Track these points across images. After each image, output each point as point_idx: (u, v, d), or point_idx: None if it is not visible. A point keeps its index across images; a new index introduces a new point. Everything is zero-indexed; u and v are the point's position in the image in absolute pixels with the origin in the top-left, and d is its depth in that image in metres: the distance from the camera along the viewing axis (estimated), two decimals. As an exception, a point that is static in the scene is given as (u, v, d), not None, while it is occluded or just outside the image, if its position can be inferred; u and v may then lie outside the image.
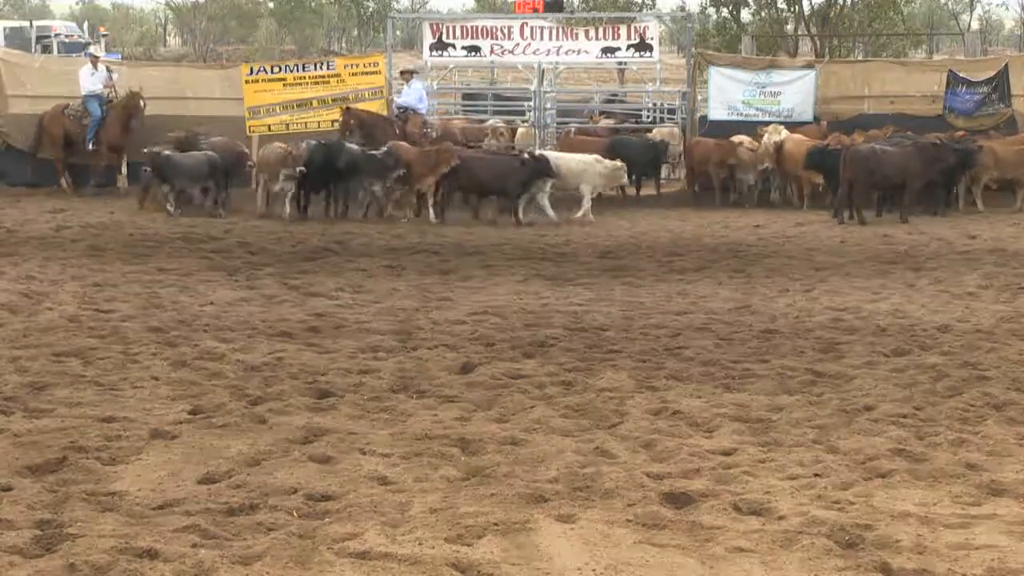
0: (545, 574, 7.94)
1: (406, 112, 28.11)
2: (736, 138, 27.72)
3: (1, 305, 16.25)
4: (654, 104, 35.42)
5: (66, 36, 56.32)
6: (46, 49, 50.79)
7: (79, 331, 14.90)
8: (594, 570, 7.96)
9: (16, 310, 16.01)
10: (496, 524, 8.56)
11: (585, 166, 25.66)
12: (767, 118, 29.17)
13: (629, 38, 30.49)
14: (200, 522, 8.61)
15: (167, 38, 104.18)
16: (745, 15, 52.71)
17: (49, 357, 13.53)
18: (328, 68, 30.07)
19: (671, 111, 33.58)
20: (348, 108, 27.53)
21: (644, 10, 59.30)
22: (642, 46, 30.45)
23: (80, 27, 64.02)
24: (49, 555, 8.04)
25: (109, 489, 9.38)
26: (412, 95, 28.54)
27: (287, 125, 29.15)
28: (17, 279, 18.12)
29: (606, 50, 30.59)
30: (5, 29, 50.38)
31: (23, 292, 17.13)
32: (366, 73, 29.82)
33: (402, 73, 28.87)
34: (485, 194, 25.72)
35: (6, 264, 19.33)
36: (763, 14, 52.26)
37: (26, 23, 58.96)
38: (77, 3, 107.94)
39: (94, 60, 29.51)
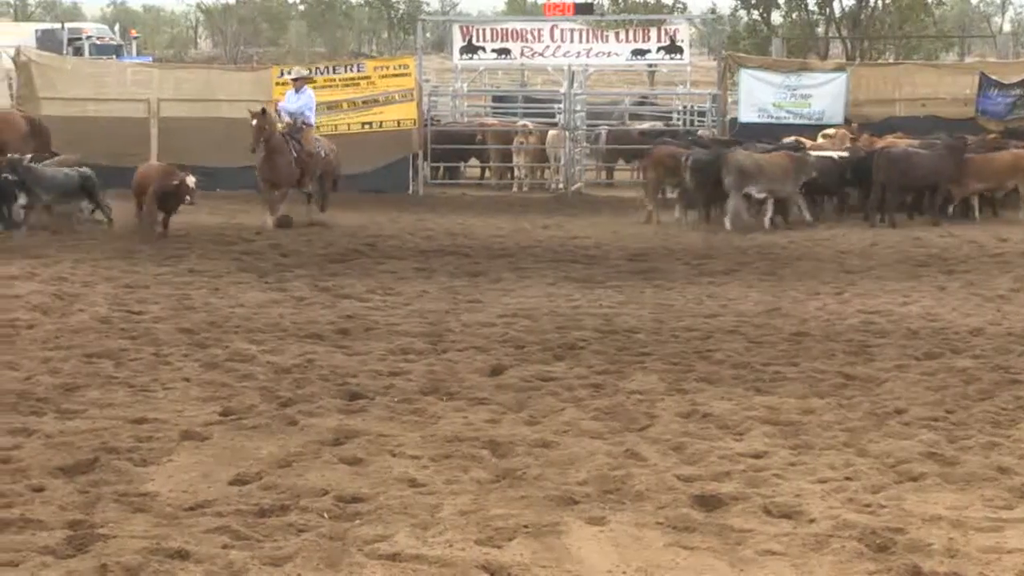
0: (575, 576, 7.94)
1: (297, 123, 24.91)
2: (791, 140, 27.39)
3: (33, 306, 16.31)
4: (684, 106, 35.40)
5: (97, 38, 56.54)
6: (78, 51, 51.02)
7: (111, 332, 14.95)
8: (624, 572, 7.94)
9: (48, 311, 16.07)
10: (526, 526, 8.55)
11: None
12: (798, 121, 29.13)
13: (659, 40, 30.50)
14: (231, 523, 8.62)
15: (198, 40, 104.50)
16: (776, 17, 52.66)
17: (81, 358, 13.57)
18: (358, 70, 30.15)
19: (701, 113, 33.57)
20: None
21: (674, 12, 59.25)
22: (672, 48, 30.45)
23: (111, 29, 64.24)
24: (81, 556, 8.06)
25: (140, 490, 9.39)
26: (303, 103, 25.22)
27: (317, 127, 29.17)
28: (49, 280, 18.18)
29: (636, 52, 30.61)
30: (37, 31, 50.59)
31: (55, 293, 17.19)
32: (396, 75, 29.89)
33: (295, 80, 25.62)
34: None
35: (38, 265, 19.39)
36: (794, 16, 52.20)
37: (58, 25, 59.16)
38: (109, 5, 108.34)
39: None
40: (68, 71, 31.35)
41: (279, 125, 24.25)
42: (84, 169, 23.55)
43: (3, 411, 11.45)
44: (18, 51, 31.01)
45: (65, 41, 52.22)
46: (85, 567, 7.84)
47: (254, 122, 23.44)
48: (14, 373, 12.90)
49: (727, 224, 24.25)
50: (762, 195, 24.51)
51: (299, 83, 25.16)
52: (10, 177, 22.51)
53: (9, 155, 23.96)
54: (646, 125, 33.09)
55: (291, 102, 25.00)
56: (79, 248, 21.09)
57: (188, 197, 21.97)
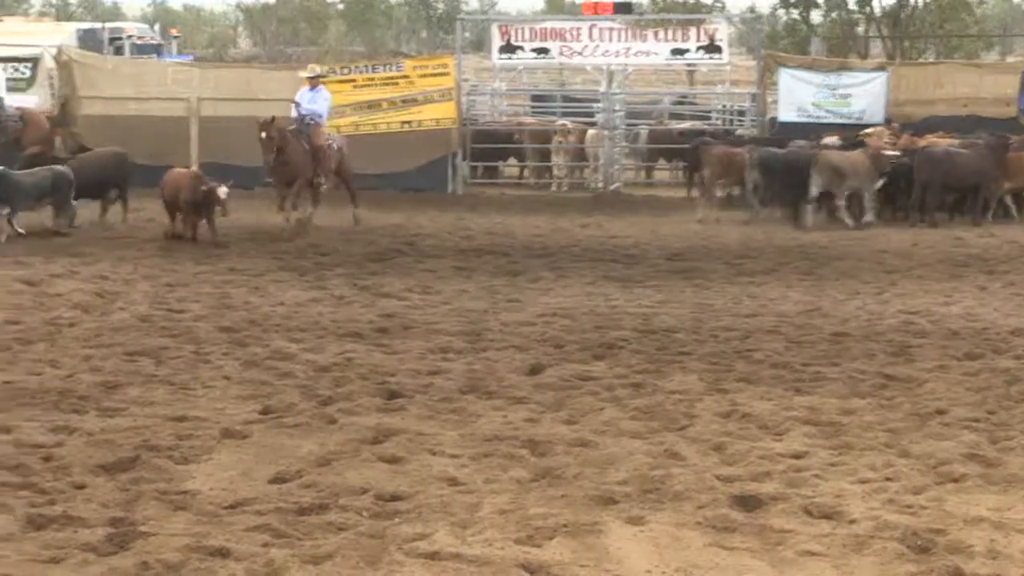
0: (615, 576, 7.94)
1: (306, 121, 24.25)
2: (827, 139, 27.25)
3: (75, 304, 16.39)
4: (723, 106, 35.31)
5: (138, 38, 56.65)
6: (118, 51, 51.07)
7: (151, 331, 15.02)
8: (663, 572, 7.94)
9: (89, 309, 16.15)
10: (565, 525, 8.55)
11: None
12: (837, 120, 29.01)
13: (698, 40, 30.38)
14: (271, 521, 8.65)
15: (238, 40, 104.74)
16: (815, 16, 52.35)
17: (122, 356, 13.64)
18: (397, 69, 30.13)
19: (740, 113, 33.47)
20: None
21: (713, 11, 59.09)
22: (711, 48, 30.33)
23: (152, 29, 64.45)
24: (122, 553, 8.11)
25: (181, 488, 9.44)
26: (320, 104, 24.70)
27: (357, 126, 29.22)
28: (90, 278, 18.27)
29: (675, 52, 30.50)
30: (78, 31, 50.69)
31: (96, 291, 17.27)
32: (435, 75, 29.86)
33: (310, 79, 24.95)
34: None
35: (79, 264, 19.48)
36: (834, 15, 51.89)
37: (99, 25, 59.34)
38: (149, 5, 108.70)
39: None
40: (109, 70, 31.42)
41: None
42: (61, 168, 22.94)
43: (45, 409, 11.52)
44: (60, 50, 31.13)
45: (106, 40, 52.32)
46: (126, 564, 7.88)
47: (263, 135, 23.06)
48: (56, 371, 12.98)
49: (805, 222, 24.32)
50: (846, 193, 24.62)
51: (314, 81, 24.76)
52: None
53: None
54: (686, 124, 33.00)
55: (304, 100, 24.48)
56: (120, 246, 21.17)
57: (220, 207, 21.58)
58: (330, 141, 24.48)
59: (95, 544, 8.24)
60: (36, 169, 22.70)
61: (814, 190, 24.59)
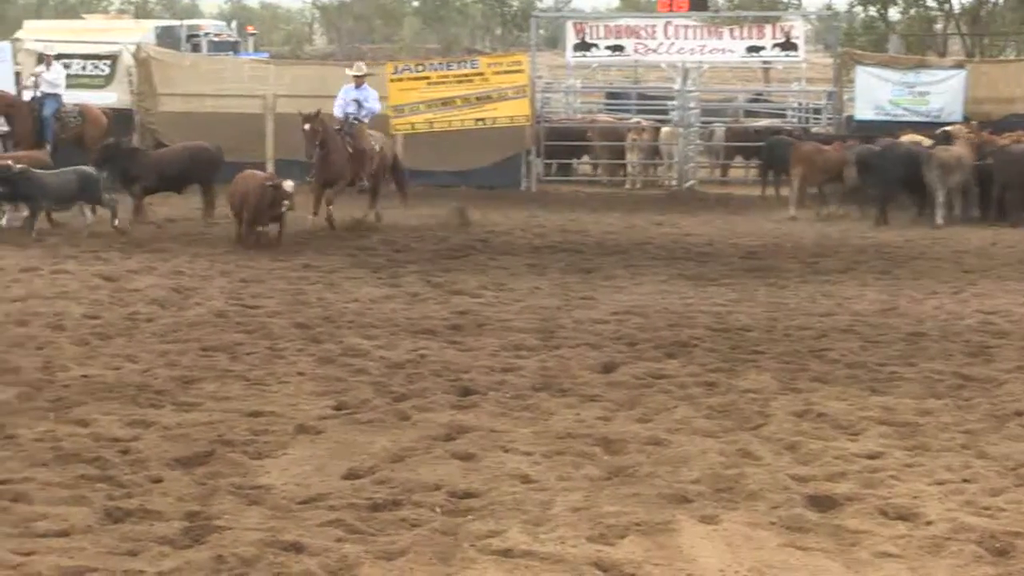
0: (687, 575, 7.90)
1: (350, 120, 23.99)
2: (909, 137, 27.02)
3: (151, 300, 16.53)
4: (799, 104, 35.15)
5: (215, 35, 57.04)
6: (195, 48, 51.49)
7: (226, 326, 15.11)
8: (737, 572, 7.90)
9: (166, 305, 16.27)
10: (638, 524, 8.53)
11: None
12: (915, 118, 28.80)
13: (774, 37, 30.25)
14: (344, 517, 8.68)
15: (313, 37, 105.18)
16: (893, 13, 51.99)
17: (198, 352, 13.74)
18: (472, 67, 30.17)
19: (816, 111, 33.30)
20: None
21: (790, 8, 58.83)
22: (787, 45, 30.19)
23: (229, 26, 64.83)
24: (198, 546, 8.16)
25: (256, 483, 9.49)
26: (373, 101, 24.70)
27: (431, 123, 29.29)
28: (167, 275, 18.42)
29: (751, 49, 30.38)
30: (157, 28, 51.09)
31: (173, 287, 17.41)
32: (509, 72, 29.88)
33: (356, 77, 24.59)
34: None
35: (156, 260, 19.64)
36: (912, 12, 51.53)
37: (177, 22, 59.77)
38: (226, 2, 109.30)
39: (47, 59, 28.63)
40: (186, 67, 31.67)
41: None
42: (85, 168, 22.64)
43: (123, 403, 11.62)
44: (138, 48, 31.40)
45: (184, 38, 52.73)
46: (201, 558, 7.93)
47: (307, 127, 23.00)
48: (133, 366, 13.09)
49: (938, 220, 24.38)
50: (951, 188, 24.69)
51: (360, 80, 24.47)
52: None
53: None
54: (766, 122, 32.87)
55: (348, 98, 24.19)
56: (196, 242, 21.33)
57: (286, 202, 21.23)
58: (374, 143, 24.31)
59: (171, 537, 8.30)
60: (63, 169, 22.54)
61: (939, 186, 24.48)
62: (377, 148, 24.10)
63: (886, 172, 24.74)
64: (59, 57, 30.04)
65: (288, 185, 21.06)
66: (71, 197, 22.15)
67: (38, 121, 27.25)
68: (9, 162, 22.14)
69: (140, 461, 9.93)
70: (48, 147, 26.40)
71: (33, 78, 27.82)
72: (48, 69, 27.79)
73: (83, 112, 27.93)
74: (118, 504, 8.89)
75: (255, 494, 9.22)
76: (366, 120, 23.95)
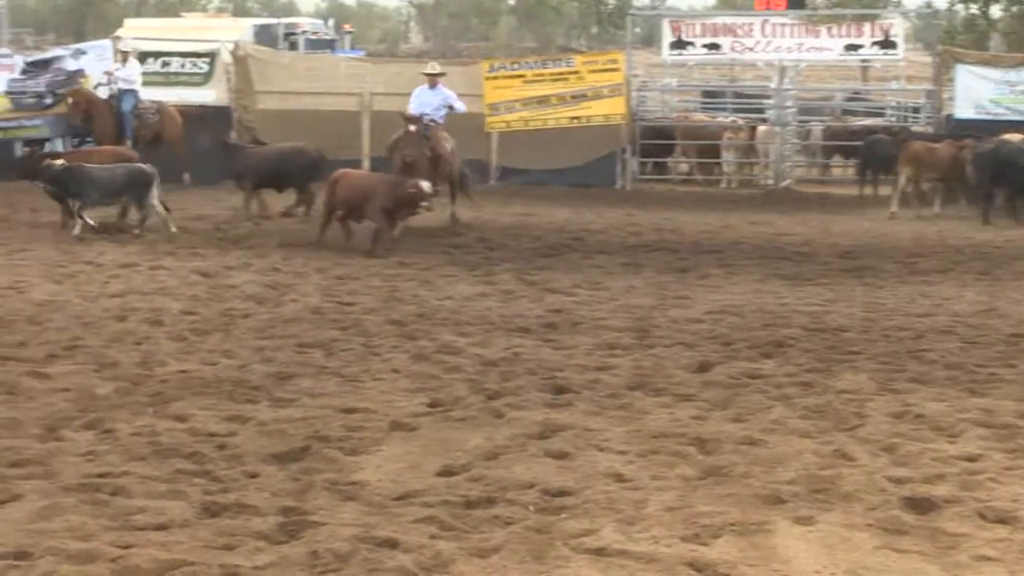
0: (783, 576, 7.87)
1: (426, 122, 23.05)
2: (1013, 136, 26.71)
3: (248, 296, 16.66)
4: (898, 103, 34.86)
5: (312, 33, 57.37)
6: (293, 46, 51.79)
7: (322, 323, 15.20)
8: (832, 574, 7.84)
9: (262, 301, 16.40)
10: (733, 524, 8.48)
11: None
12: (1017, 117, 28.48)
13: (873, 35, 30.02)
14: (438, 514, 8.69)
15: (409, 35, 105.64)
16: (995, 11, 51.41)
17: (293, 348, 13.83)
18: (567, 65, 30.16)
19: (915, 110, 33.02)
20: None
21: (889, 6, 58.35)
22: (886, 43, 29.95)
23: (326, 24, 65.20)
24: (293, 542, 8.20)
25: (350, 479, 9.54)
26: (455, 101, 24.05)
27: (526, 122, 29.31)
28: (263, 271, 18.56)
29: (849, 47, 30.18)
30: (255, 26, 51.47)
31: (269, 284, 17.54)
32: (605, 70, 29.83)
33: (430, 76, 24.08)
34: None
35: (253, 256, 19.80)
36: (1014, 10, 50.92)
37: (274, 21, 60.20)
38: (323, 1, 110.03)
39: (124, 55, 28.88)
40: (284, 65, 31.87)
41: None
42: (138, 165, 22.43)
43: (220, 398, 11.72)
44: (236, 46, 31.66)
45: (281, 36, 53.07)
46: (297, 553, 7.98)
47: (413, 128, 22.46)
48: (230, 361, 13.20)
49: None
50: None
51: (434, 80, 23.86)
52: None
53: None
54: (868, 121, 32.62)
55: (426, 99, 23.48)
56: (292, 239, 21.46)
57: (425, 203, 20.78)
58: (449, 146, 23.77)
59: (267, 532, 8.36)
60: (111, 165, 22.49)
61: None
62: (449, 148, 23.89)
63: (1007, 171, 24.48)
64: (158, 55, 30.42)
65: (427, 186, 20.82)
66: (117, 192, 22.06)
67: (117, 117, 27.51)
68: (53, 160, 22.28)
69: (236, 456, 10.01)
70: (128, 143, 26.64)
71: (107, 76, 28.07)
72: (124, 65, 28.04)
73: (160, 109, 28.19)
74: (215, 499, 8.96)
75: (350, 490, 9.27)
76: (441, 121, 23.69)
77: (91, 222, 21.65)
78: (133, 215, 22.21)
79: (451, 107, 23.63)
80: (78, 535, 8.20)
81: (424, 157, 22.43)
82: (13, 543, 8.03)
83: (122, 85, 27.76)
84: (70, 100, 27.70)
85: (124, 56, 28.22)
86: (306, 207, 24.17)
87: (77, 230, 21.49)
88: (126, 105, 27.56)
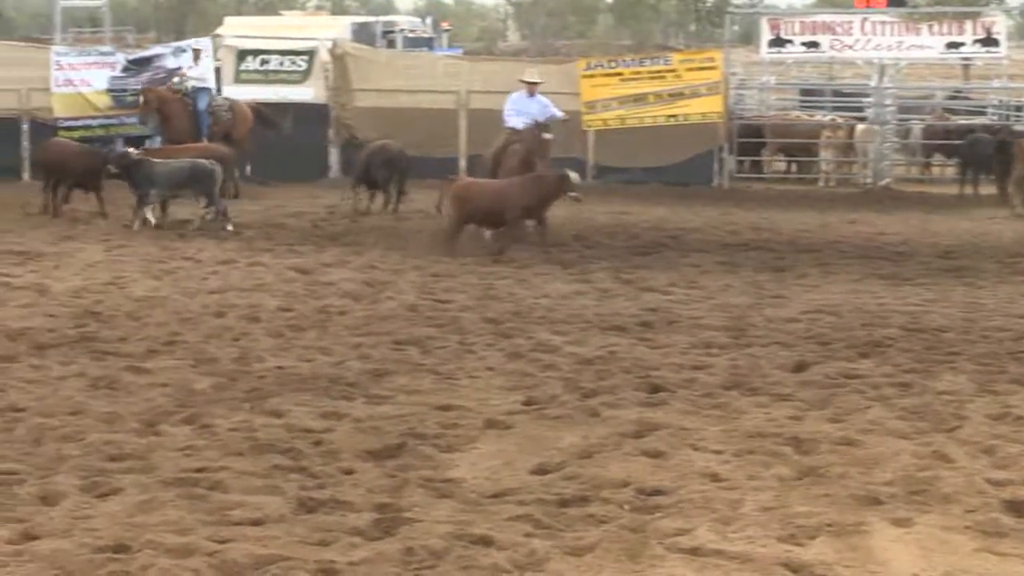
0: (879, 578, 7.80)
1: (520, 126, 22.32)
2: None
3: (345, 293, 16.76)
4: (1000, 101, 34.49)
5: (410, 31, 57.63)
6: (391, 44, 52.05)
7: (418, 320, 15.26)
8: (930, 576, 7.79)
9: (359, 298, 16.48)
10: (829, 525, 8.43)
11: None
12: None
13: (974, 33, 29.71)
14: (533, 512, 8.70)
15: (507, 33, 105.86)
16: (1101, 7, 50.75)
17: (389, 345, 13.89)
18: (665, 63, 30.08)
19: (1018, 108, 32.64)
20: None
21: (991, 4, 57.76)
22: (988, 41, 29.63)
23: (423, 22, 65.46)
24: (388, 538, 8.23)
25: (445, 476, 9.56)
26: (553, 109, 23.25)
27: (623, 120, 29.26)
28: (360, 268, 18.67)
29: (950, 45, 29.88)
30: (353, 25, 51.80)
31: (365, 281, 17.63)
32: (702, 68, 29.72)
33: (530, 84, 23.20)
34: None
35: (350, 253, 19.92)
36: (1118, 5, 50.25)
37: (372, 19, 60.53)
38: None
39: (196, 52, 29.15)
40: (382, 63, 32.02)
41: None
42: (202, 161, 22.51)
43: (316, 395, 11.80)
44: (334, 44, 31.84)
45: (379, 34, 53.33)
46: (392, 549, 8.01)
47: (546, 136, 21.94)
48: (326, 358, 13.28)
49: None
50: None
51: (533, 88, 23.05)
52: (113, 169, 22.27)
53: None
54: (975, 120, 32.29)
55: (524, 106, 22.64)
56: (389, 236, 21.56)
57: (573, 193, 20.16)
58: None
59: (362, 528, 8.40)
60: (173, 160, 22.75)
61: None
62: None
63: None
64: (257, 53, 30.65)
65: (574, 175, 20.39)
66: (180, 186, 22.32)
67: (193, 115, 27.69)
68: (128, 149, 22.75)
69: (332, 452, 10.07)
70: (204, 140, 26.82)
71: (179, 79, 28.23)
72: (195, 64, 28.23)
73: (232, 107, 28.35)
74: (310, 494, 9.02)
75: (445, 487, 9.29)
76: None
77: (151, 217, 22.09)
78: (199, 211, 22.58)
79: (551, 116, 23.01)
80: (176, 529, 8.28)
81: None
82: (112, 536, 8.13)
83: (195, 83, 27.96)
84: (141, 99, 27.91)
85: (196, 55, 28.42)
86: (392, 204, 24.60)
87: (136, 225, 21.96)
88: (201, 103, 27.75)
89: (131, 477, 9.36)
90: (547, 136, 21.93)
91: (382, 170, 24.63)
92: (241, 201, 24.77)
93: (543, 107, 22.91)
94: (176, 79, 28.16)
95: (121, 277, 17.62)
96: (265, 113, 28.45)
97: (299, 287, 17.20)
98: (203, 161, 22.47)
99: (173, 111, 27.71)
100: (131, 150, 22.55)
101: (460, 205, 20.50)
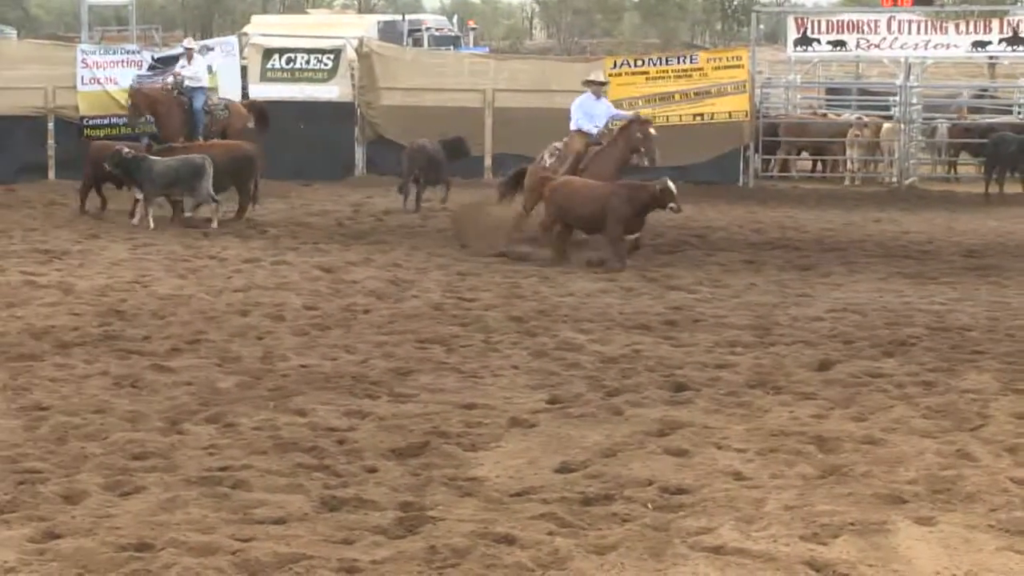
0: (902, 577, 7.79)
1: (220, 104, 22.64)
2: None
3: (370, 291, 16.78)
4: (1025, 100, 34.40)
5: (436, 30, 57.73)
6: (416, 43, 52.15)
7: (442, 319, 15.28)
8: (953, 575, 7.76)
9: (383, 297, 16.51)
10: (852, 524, 8.42)
11: None
12: None
13: (1001, 32, 29.56)
14: (556, 510, 8.71)
15: (533, 31, 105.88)
16: None
17: (413, 344, 13.91)
18: (691, 62, 30.03)
19: (1044, 107, 32.56)
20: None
21: (1018, 2, 57.56)
22: (1015, 40, 29.49)
23: (450, 21, 65.56)
24: (411, 537, 8.26)
25: (469, 474, 9.58)
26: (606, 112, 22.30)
27: (652, 118, 29.23)
28: (385, 267, 18.69)
29: (976, 44, 29.74)
30: (379, 23, 51.93)
31: (390, 279, 17.65)
32: (729, 67, 29.66)
33: (597, 85, 22.28)
34: None
35: (375, 252, 19.95)
36: None
37: (399, 17, 60.65)
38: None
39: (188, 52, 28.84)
40: (408, 62, 32.03)
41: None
42: (193, 157, 22.62)
43: (340, 393, 11.82)
44: (361, 42, 31.87)
45: (405, 32, 53.43)
46: (415, 548, 8.02)
47: (653, 132, 21.32)
48: (351, 356, 13.31)
49: None
50: None
51: (598, 88, 22.20)
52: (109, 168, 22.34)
53: None
54: (995, 119, 32.18)
55: (591, 108, 21.80)
56: (414, 235, 21.60)
57: (672, 204, 19.10)
58: None
59: (385, 527, 8.41)
60: (169, 158, 22.78)
61: None
62: None
63: None
64: (283, 52, 30.70)
65: (672, 185, 19.02)
66: (172, 185, 22.38)
67: (189, 115, 27.69)
68: (123, 147, 22.73)
69: (356, 451, 10.09)
70: (200, 140, 26.79)
71: (172, 77, 28.20)
72: (189, 63, 28.23)
73: (228, 106, 28.34)
74: (334, 493, 9.04)
75: (468, 486, 9.31)
76: None
77: (150, 216, 22.25)
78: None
79: (617, 116, 22.45)
80: (199, 528, 8.31)
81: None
82: (135, 535, 8.16)
83: (190, 83, 27.94)
84: (128, 101, 27.91)
85: (189, 55, 28.42)
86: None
87: (136, 219, 22.22)
88: (197, 103, 27.73)
89: (154, 476, 9.40)
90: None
91: (429, 169, 24.87)
92: (268, 199, 24.74)
93: (609, 109, 22.33)
94: (170, 79, 28.13)
95: (145, 275, 17.68)
96: (263, 110, 28.43)
97: (324, 285, 17.24)
98: (194, 157, 22.60)
99: (165, 110, 27.69)
100: (126, 149, 22.58)
101: (552, 203, 19.57)
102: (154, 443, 10.23)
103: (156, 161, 22.34)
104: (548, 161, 21.37)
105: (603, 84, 22.62)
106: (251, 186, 23.11)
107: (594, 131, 21.54)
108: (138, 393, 11.79)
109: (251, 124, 27.89)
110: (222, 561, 7.77)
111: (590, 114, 21.68)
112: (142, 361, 12.94)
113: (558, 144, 21.67)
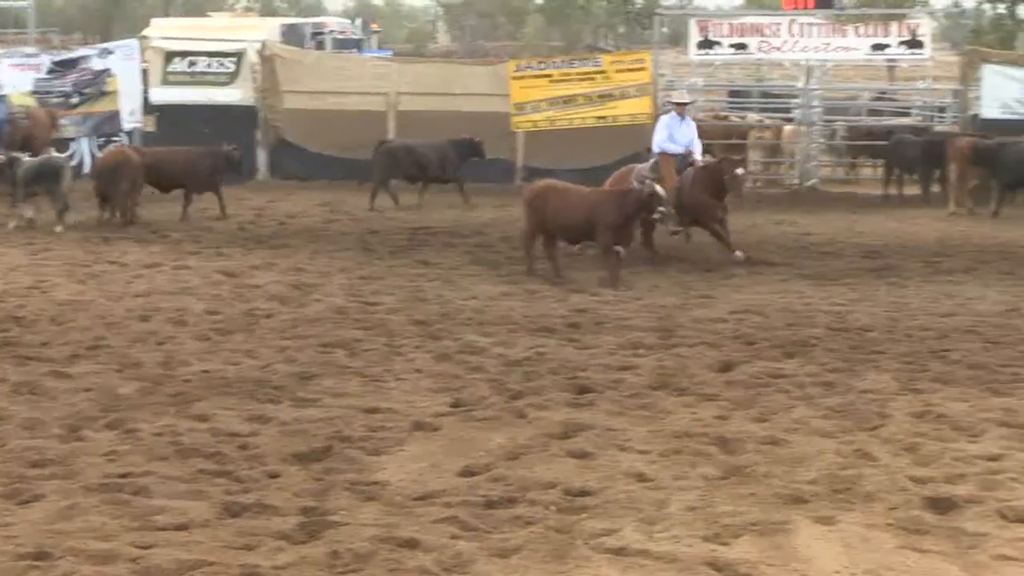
0: (803, 576, 7.85)
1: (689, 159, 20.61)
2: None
3: (272, 296, 16.70)
4: (924, 102, 34.74)
5: (339, 33, 57.48)
6: (320, 45, 51.88)
7: (345, 323, 15.22)
8: (853, 574, 7.84)
9: (286, 301, 16.43)
10: (754, 524, 8.48)
11: None
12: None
13: (900, 35, 29.88)
14: (459, 514, 8.70)
15: (436, 35, 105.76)
16: (1022, 11, 51.16)
17: (316, 348, 13.86)
18: (594, 65, 30.15)
19: (941, 109, 32.88)
20: None
21: (916, 6, 58.15)
22: (913, 43, 29.81)
23: (353, 24, 65.31)
24: (313, 542, 8.23)
25: (372, 479, 9.56)
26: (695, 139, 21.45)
27: (552, 121, 29.31)
28: (287, 271, 18.61)
29: (876, 47, 30.04)
30: (282, 26, 51.60)
31: (293, 283, 17.58)
32: (631, 70, 29.83)
33: (679, 105, 21.68)
34: None
35: (277, 256, 19.85)
36: (1042, 8, 50.67)
37: (302, 20, 60.38)
38: (351, 0, 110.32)
39: None
40: (310, 65, 31.93)
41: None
42: (54, 156, 22.93)
43: (242, 398, 11.76)
44: (263, 45, 31.72)
45: (308, 35, 53.16)
46: (317, 553, 8.00)
47: (742, 172, 21.13)
48: (253, 361, 13.24)
49: None
50: None
51: (682, 109, 21.65)
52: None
53: None
54: (903, 121, 32.50)
55: (676, 130, 21.24)
56: (317, 239, 21.52)
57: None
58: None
59: (287, 532, 8.38)
60: (33, 159, 22.79)
61: None
62: None
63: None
64: (185, 55, 30.50)
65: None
66: (32, 184, 22.36)
67: None
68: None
69: (258, 456, 10.04)
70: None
71: None
72: None
73: (30, 114, 28.09)
74: (236, 499, 9.00)
75: (371, 490, 9.29)
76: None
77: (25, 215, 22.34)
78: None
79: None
80: (99, 535, 8.24)
81: None
82: (34, 543, 8.07)
83: None
84: None
85: None
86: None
87: (12, 224, 22.19)
88: (1, 113, 27.49)
89: (54, 483, 9.31)
90: (740, 172, 20.98)
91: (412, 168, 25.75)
92: (170, 203, 24.51)
93: (692, 130, 21.51)
94: None
95: (44, 281, 17.49)
96: (57, 120, 28.32)
97: (226, 290, 17.13)
98: (54, 157, 22.78)
99: None
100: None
101: (534, 211, 18.84)
102: (53, 450, 10.12)
103: (24, 162, 22.44)
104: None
105: (686, 104, 22.10)
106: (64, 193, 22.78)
107: (680, 150, 21.06)
108: (37, 400, 11.66)
109: (56, 132, 27.77)
110: (122, 569, 7.71)
111: (673, 136, 21.23)
112: (41, 367, 12.80)
113: (644, 170, 20.71)
